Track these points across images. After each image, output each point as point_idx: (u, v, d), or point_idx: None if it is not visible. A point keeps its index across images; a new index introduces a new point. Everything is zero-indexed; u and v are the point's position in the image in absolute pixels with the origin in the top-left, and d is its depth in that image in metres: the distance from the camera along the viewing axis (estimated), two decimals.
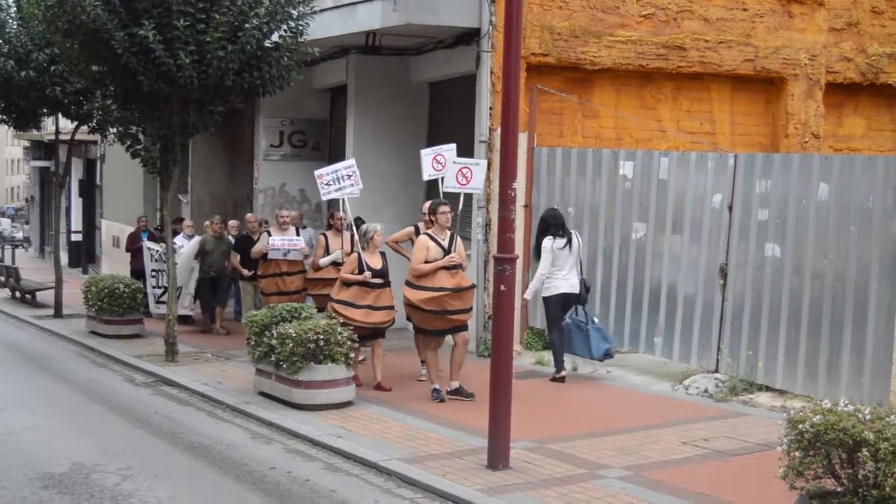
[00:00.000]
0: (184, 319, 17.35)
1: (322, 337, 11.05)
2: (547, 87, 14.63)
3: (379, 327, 12.01)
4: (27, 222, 58.32)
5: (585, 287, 12.55)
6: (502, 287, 8.67)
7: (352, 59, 17.31)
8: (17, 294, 24.65)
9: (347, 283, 11.97)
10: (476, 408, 10.48)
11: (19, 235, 59.29)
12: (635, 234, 13.42)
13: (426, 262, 11.35)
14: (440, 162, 12.73)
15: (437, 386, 11.50)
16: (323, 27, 15.35)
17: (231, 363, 14.45)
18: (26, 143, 49.11)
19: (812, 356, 11.06)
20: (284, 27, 14.23)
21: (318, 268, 13.80)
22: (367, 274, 11.86)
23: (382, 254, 12.31)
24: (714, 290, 12.26)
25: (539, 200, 14.47)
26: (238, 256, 16.40)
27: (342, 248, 13.48)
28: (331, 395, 11.11)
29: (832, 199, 10.94)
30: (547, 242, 12.34)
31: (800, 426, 6.54)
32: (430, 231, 11.66)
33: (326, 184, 12.52)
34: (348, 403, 11.22)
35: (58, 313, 20.48)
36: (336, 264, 13.42)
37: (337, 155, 19.29)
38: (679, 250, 12.81)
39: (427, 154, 12.91)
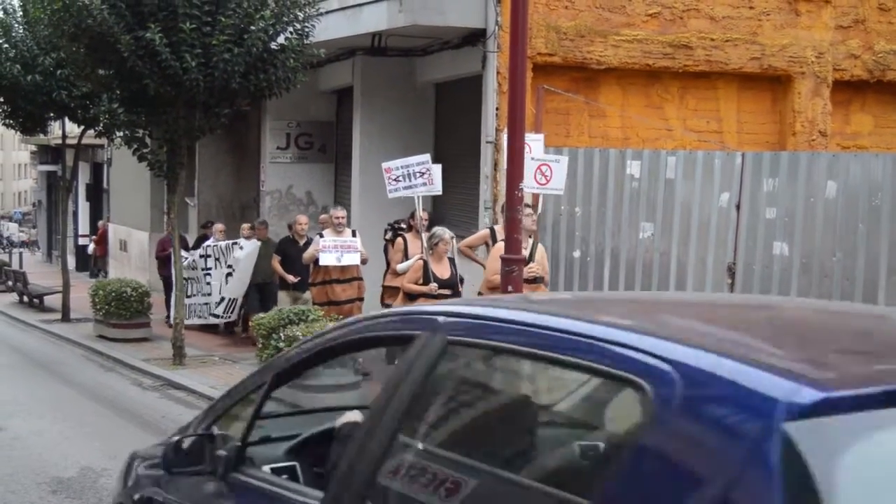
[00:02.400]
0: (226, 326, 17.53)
1: None
2: (553, 87, 14.60)
3: None
4: (34, 227, 58.56)
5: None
6: (510, 288, 8.65)
7: (358, 61, 17.30)
8: (25, 298, 24.69)
9: (410, 294, 10.91)
10: None
11: (15, 238, 59.69)
12: (643, 233, 13.38)
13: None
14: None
15: None
16: (329, 29, 15.34)
17: (238, 366, 14.45)
18: (33, 148, 49.19)
19: None
20: (290, 29, 14.24)
21: (396, 273, 12.43)
22: (434, 286, 10.68)
23: (452, 261, 11.21)
24: (722, 289, 12.22)
25: (546, 201, 14.42)
26: (278, 260, 14.85)
27: (422, 251, 12.01)
28: (339, 398, 11.07)
29: (840, 197, 10.91)
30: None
31: None
32: None
33: (395, 179, 11.44)
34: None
35: (65, 317, 20.51)
36: None
37: (344, 157, 19.29)
38: (687, 249, 12.78)
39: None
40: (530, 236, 10.32)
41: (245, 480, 3.81)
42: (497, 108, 14.22)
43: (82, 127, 21.01)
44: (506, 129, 9.46)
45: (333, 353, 4.12)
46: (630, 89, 15.45)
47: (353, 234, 13.44)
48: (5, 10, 19.64)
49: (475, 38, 14.65)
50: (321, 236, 13.32)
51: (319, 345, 3.94)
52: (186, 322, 17.19)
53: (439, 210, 15.15)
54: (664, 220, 13.11)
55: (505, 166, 9.51)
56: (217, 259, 17.20)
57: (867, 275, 10.58)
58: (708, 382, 2.34)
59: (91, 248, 33.60)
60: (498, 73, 14.13)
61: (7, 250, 39.29)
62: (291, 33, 14.26)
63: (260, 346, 11.92)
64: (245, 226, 17.62)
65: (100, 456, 9.60)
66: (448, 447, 3.15)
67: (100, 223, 34.61)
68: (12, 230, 70.04)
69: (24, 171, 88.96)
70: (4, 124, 21.51)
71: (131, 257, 28.97)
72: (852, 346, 2.82)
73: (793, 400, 2.16)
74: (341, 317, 12.03)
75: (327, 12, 15.32)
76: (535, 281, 10.14)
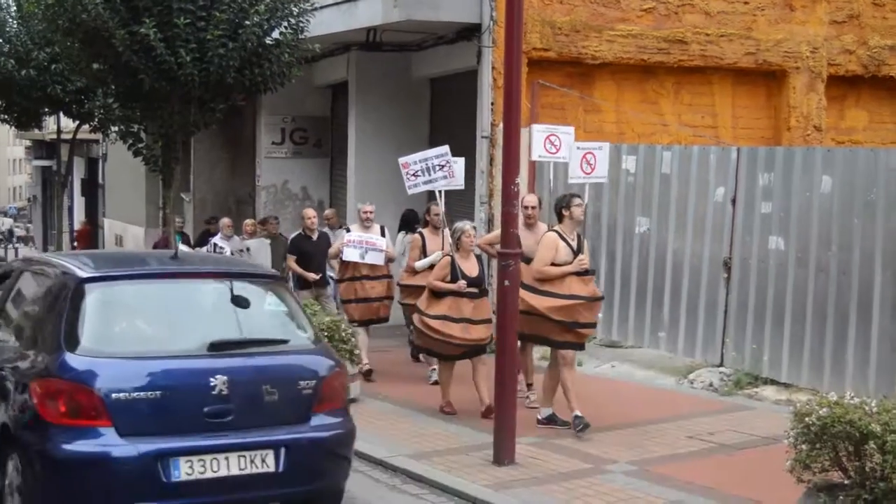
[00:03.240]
0: None
1: (325, 333, 11.00)
2: (548, 82, 14.61)
3: (480, 344, 10.39)
4: (30, 222, 58.58)
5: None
6: (506, 282, 8.66)
7: (352, 56, 17.29)
8: None
9: (437, 293, 10.34)
10: (481, 405, 10.46)
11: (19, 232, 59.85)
12: (638, 228, 13.39)
13: (553, 264, 9.68)
14: (554, 144, 11.70)
15: (579, 412, 9.57)
16: (323, 24, 15.34)
17: None
18: (28, 143, 49.22)
19: (817, 349, 11.04)
20: (285, 24, 14.24)
21: (414, 272, 11.94)
22: (462, 283, 10.19)
23: (478, 257, 10.74)
24: (718, 283, 12.24)
25: (542, 196, 14.43)
26: (294, 259, 13.75)
27: (441, 248, 11.66)
28: None
29: (835, 192, 10.91)
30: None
31: (806, 419, 6.52)
32: (558, 228, 9.87)
33: (413, 174, 10.89)
34: (353, 400, 11.17)
35: None
36: (433, 268, 11.40)
37: (339, 152, 19.29)
38: (682, 244, 12.79)
39: (541, 131, 11.71)
40: (577, 228, 9.99)
41: None
42: (492, 103, 14.23)
43: (77, 122, 21.03)
44: (502, 124, 9.46)
45: None
46: (625, 84, 15.47)
47: (382, 232, 12.71)
48: None
49: (470, 32, 14.66)
50: (348, 230, 12.77)
51: None
52: None
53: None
54: (660, 214, 13.11)
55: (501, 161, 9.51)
56: None
57: (862, 269, 10.59)
58: (72, 272, 6.70)
59: (74, 245, 33.64)
60: (493, 68, 14.14)
61: (14, 245, 39.38)
62: (286, 28, 14.26)
63: None
64: (248, 222, 16.88)
65: None
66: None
67: (80, 222, 34.63)
68: (7, 224, 69.92)
69: (18, 166, 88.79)
70: None
71: None
72: (122, 264, 7.64)
73: (81, 275, 6.60)
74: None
75: (322, 7, 15.32)
76: (587, 273, 9.79)
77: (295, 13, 14.30)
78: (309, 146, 20.19)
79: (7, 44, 18.76)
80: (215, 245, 16.21)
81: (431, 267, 11.19)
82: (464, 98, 15.42)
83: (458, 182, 11.43)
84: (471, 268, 10.39)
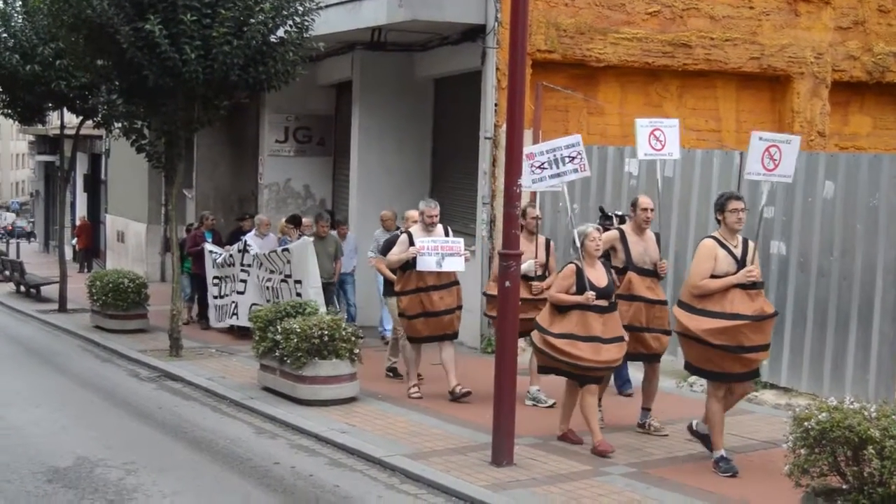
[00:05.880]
0: None
1: (326, 333, 11.03)
2: (552, 83, 14.61)
3: (612, 367, 9.20)
4: (32, 217, 58.86)
5: None
6: (507, 283, 8.66)
7: (357, 55, 17.30)
8: (22, 288, 24.68)
9: (560, 308, 9.05)
10: (480, 404, 10.47)
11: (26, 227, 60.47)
12: None
13: (713, 276, 8.33)
14: (659, 139, 10.13)
15: (724, 453, 8.55)
16: (328, 23, 15.34)
17: (235, 358, 14.46)
18: (31, 138, 49.16)
19: (817, 354, 11.04)
20: (290, 22, 14.24)
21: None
22: (591, 294, 8.84)
23: (605, 264, 9.32)
24: None
25: (544, 197, 14.44)
26: (385, 261, 11.87)
27: (535, 256, 10.71)
28: (335, 390, 11.11)
29: (838, 197, 10.92)
30: None
31: (805, 424, 6.53)
32: (717, 234, 8.55)
33: (539, 167, 9.64)
34: (352, 399, 11.22)
35: (62, 308, 20.50)
36: (526, 279, 10.38)
37: (342, 150, 19.30)
38: (685, 248, 12.78)
39: (645, 126, 10.14)
40: (737, 233, 8.54)
41: None
42: (496, 104, 14.23)
43: (81, 117, 20.99)
44: (505, 126, 9.45)
45: None
46: (629, 87, 15.47)
47: (446, 233, 11.34)
48: (4, 0, 19.61)
49: (474, 33, 14.66)
50: (409, 235, 11.18)
51: None
52: (217, 325, 16.80)
53: None
54: (662, 218, 13.09)
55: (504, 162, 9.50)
56: (261, 263, 15.23)
57: (864, 274, 10.60)
58: None
59: (74, 241, 33.72)
60: (497, 69, 14.14)
61: (16, 240, 39.65)
62: (291, 26, 14.26)
63: (257, 338, 11.91)
64: (284, 222, 16.20)
65: (96, 446, 9.61)
66: None
67: (79, 217, 34.67)
68: (9, 218, 70.07)
69: (21, 160, 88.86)
70: (3, 114, 21.48)
71: (128, 249, 28.95)
72: None
73: None
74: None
75: (327, 6, 15.32)
76: (755, 287, 8.35)
77: (300, 12, 14.30)
78: (312, 145, 20.20)
79: (12, 38, 18.75)
80: (245, 242, 15.98)
81: (524, 278, 9.96)
82: (467, 99, 15.43)
83: (588, 173, 10.16)
84: (599, 277, 9.05)
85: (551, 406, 10.76)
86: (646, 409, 9.85)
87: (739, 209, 8.41)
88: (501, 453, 8.65)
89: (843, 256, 10.83)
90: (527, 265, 10.32)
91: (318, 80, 19.24)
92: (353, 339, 11.25)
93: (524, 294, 10.12)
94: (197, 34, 13.12)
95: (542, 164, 9.62)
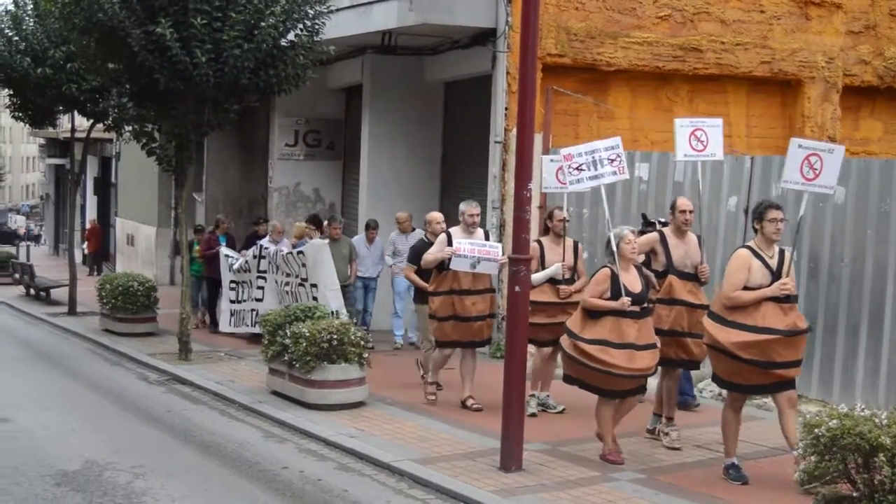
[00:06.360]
0: None
1: (336, 337, 11.02)
2: (562, 87, 14.59)
3: (645, 374, 8.78)
4: (42, 220, 59.08)
5: None
6: (517, 288, 8.64)
7: (367, 59, 17.31)
8: (32, 291, 24.73)
9: (593, 313, 8.75)
10: (489, 410, 10.45)
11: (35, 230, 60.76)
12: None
13: (746, 287, 8.13)
14: (700, 140, 9.83)
15: (736, 461, 8.45)
16: (339, 26, 15.35)
17: (244, 362, 14.46)
18: (42, 141, 49.31)
19: (827, 360, 10.99)
20: (300, 26, 14.24)
21: (531, 286, 9.75)
22: (626, 300, 8.55)
23: (639, 269, 9.07)
24: None
25: (554, 202, 14.41)
26: (414, 269, 11.80)
27: (562, 259, 10.46)
28: (344, 395, 11.10)
29: (849, 203, 10.88)
30: None
31: (816, 430, 6.50)
32: (752, 244, 8.36)
33: (577, 168, 9.38)
34: (361, 404, 11.20)
35: (72, 311, 20.52)
36: (554, 282, 10.39)
37: (352, 154, 19.30)
38: None
39: (685, 126, 9.88)
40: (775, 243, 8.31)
41: None
42: (506, 108, 14.22)
43: (91, 121, 21.03)
44: (515, 130, 9.43)
45: None
46: (639, 91, 15.45)
47: (486, 237, 11.08)
48: (16, 3, 19.65)
49: (485, 37, 14.65)
50: (449, 235, 10.89)
51: None
52: (233, 330, 16.53)
53: (445, 209, 15.12)
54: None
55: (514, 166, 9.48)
56: (278, 266, 15.05)
57: (875, 280, 10.56)
58: None
59: (84, 245, 33.81)
60: (507, 73, 14.13)
61: (27, 243, 39.83)
62: (301, 30, 14.27)
63: (266, 342, 11.91)
64: (299, 225, 16.19)
65: (104, 449, 9.61)
66: None
67: (90, 221, 34.75)
68: (20, 223, 70.32)
69: (32, 164, 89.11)
70: (14, 117, 21.54)
71: (138, 252, 29.01)
72: None
73: None
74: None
75: (337, 10, 15.33)
76: (789, 300, 8.15)
77: (311, 15, 14.31)
78: (322, 148, 20.22)
79: (23, 42, 18.79)
80: (261, 247, 15.93)
81: (551, 281, 10.22)
82: (477, 103, 15.42)
83: (626, 175, 9.94)
84: (633, 282, 8.77)
85: (561, 412, 10.74)
86: (669, 419, 9.61)
87: (778, 219, 8.18)
88: (510, 459, 8.63)
89: (854, 262, 10.79)
90: (554, 268, 10.31)
91: (328, 83, 19.25)
92: (362, 343, 11.24)
93: (552, 298, 10.18)
94: (208, 38, 13.13)
95: (580, 165, 9.38)
